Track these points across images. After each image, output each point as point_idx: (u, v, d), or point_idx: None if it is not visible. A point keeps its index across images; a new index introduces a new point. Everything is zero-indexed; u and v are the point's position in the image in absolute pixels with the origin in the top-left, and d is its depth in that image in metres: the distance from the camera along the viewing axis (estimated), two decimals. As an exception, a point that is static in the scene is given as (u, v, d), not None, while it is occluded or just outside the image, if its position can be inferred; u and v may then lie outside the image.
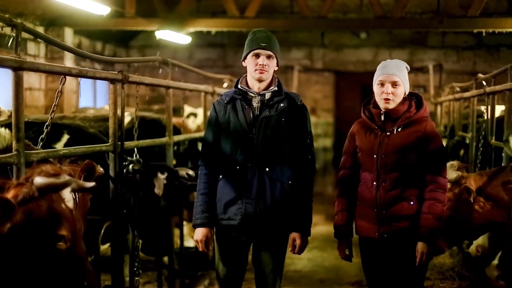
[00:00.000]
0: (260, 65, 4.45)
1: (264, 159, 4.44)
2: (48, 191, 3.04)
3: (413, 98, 4.60)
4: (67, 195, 3.15)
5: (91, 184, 3.36)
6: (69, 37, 12.55)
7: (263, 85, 4.53)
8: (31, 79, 11.61)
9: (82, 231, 3.30)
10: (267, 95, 4.53)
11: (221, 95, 4.71)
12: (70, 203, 3.16)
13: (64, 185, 3.09)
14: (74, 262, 3.13)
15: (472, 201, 5.06)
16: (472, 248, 5.91)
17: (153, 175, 5.29)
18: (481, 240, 5.92)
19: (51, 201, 3.07)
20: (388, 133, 4.47)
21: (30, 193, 3.01)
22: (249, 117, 4.49)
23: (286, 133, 4.49)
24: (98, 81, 14.28)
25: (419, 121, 4.48)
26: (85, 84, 14.37)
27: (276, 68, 4.58)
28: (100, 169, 4.78)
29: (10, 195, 3.03)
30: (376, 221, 4.46)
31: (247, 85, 4.57)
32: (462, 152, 8.78)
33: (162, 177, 5.30)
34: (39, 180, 3.01)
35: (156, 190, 5.24)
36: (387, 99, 4.44)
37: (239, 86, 4.58)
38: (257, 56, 4.47)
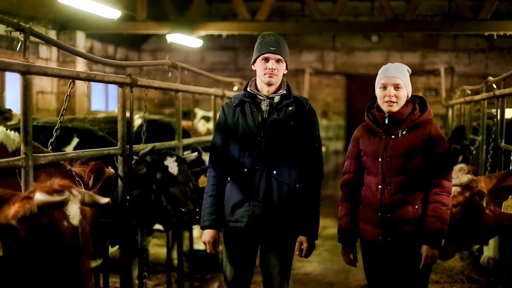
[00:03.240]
0: (269, 69, 4.47)
1: (272, 162, 4.46)
2: (47, 209, 3.00)
3: (417, 100, 4.60)
4: (73, 212, 3.09)
5: (105, 200, 3.30)
6: (81, 40, 12.60)
7: (272, 88, 4.55)
8: (42, 83, 11.66)
9: (89, 248, 3.20)
10: (276, 99, 4.55)
11: (231, 98, 4.73)
12: (75, 220, 3.10)
13: (63, 203, 3.03)
14: (75, 281, 3.07)
15: (484, 205, 5.03)
16: (484, 260, 5.88)
17: (163, 159, 5.47)
18: (492, 252, 5.89)
19: (52, 218, 3.02)
20: (393, 136, 4.47)
21: (31, 210, 2.98)
22: (258, 120, 4.51)
23: (294, 136, 4.50)
24: (110, 85, 14.34)
25: (424, 124, 4.48)
26: (98, 87, 14.43)
27: (286, 72, 4.59)
28: (111, 170, 4.82)
29: (12, 212, 3.01)
30: (380, 224, 4.46)
31: (256, 88, 4.59)
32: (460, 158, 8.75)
33: (172, 159, 5.49)
34: (38, 197, 2.98)
35: (171, 170, 5.40)
36: (390, 102, 4.45)
37: (248, 89, 4.60)
38: (266, 60, 4.49)
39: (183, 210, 5.23)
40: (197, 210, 5.11)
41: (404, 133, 4.47)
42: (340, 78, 16.43)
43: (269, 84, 4.52)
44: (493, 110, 7.41)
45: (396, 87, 4.46)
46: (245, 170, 4.48)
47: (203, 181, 5.80)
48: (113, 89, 14.87)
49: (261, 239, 4.55)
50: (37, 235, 2.99)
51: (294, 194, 4.50)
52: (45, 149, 4.33)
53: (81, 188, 4.15)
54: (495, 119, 7.20)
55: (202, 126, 11.59)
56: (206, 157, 6.94)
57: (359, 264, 4.73)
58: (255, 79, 4.63)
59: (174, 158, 5.52)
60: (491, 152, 7.27)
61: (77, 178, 4.24)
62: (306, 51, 16.15)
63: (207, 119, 12.05)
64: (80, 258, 3.08)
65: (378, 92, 4.53)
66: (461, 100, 10.95)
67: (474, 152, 8.72)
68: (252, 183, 4.46)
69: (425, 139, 4.42)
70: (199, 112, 12.24)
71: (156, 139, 6.17)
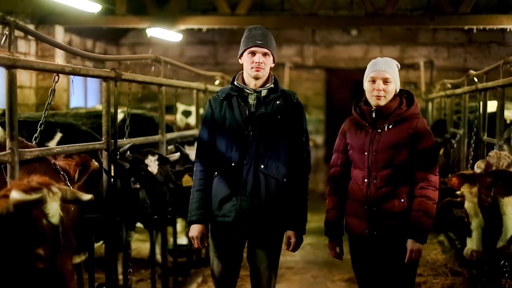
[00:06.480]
0: (256, 62, 4.45)
1: (259, 156, 4.44)
2: (23, 207, 2.93)
3: (404, 95, 4.61)
4: (52, 210, 3.01)
5: (88, 196, 3.23)
6: (59, 34, 12.48)
7: (260, 82, 4.52)
8: (21, 77, 11.53)
9: (71, 247, 3.10)
10: (263, 92, 4.53)
11: (217, 91, 4.70)
12: (54, 219, 3.01)
13: (39, 201, 2.96)
14: (55, 282, 2.99)
15: None
16: (467, 253, 5.92)
17: (144, 158, 5.39)
18: (475, 245, 5.93)
19: (30, 217, 2.95)
20: (379, 130, 4.46)
21: (8, 209, 2.92)
22: (245, 114, 4.49)
23: (281, 130, 4.49)
24: (89, 80, 14.21)
25: (410, 118, 4.47)
26: (76, 82, 14.27)
27: (273, 65, 4.57)
28: (95, 164, 4.77)
29: None
30: (366, 218, 4.45)
31: (243, 82, 4.56)
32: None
33: (153, 158, 5.40)
34: (14, 195, 2.91)
35: (150, 169, 5.32)
36: (378, 96, 4.44)
37: (235, 83, 4.57)
38: (253, 53, 4.47)
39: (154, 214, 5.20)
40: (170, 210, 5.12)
41: (390, 127, 4.45)
42: (320, 72, 16.43)
43: (256, 78, 4.49)
44: (475, 103, 7.46)
45: (385, 81, 4.46)
46: (233, 164, 4.46)
47: (186, 180, 5.76)
48: (92, 84, 14.74)
49: (248, 234, 4.53)
50: (15, 234, 2.93)
51: (281, 189, 4.49)
52: (29, 144, 4.28)
53: (65, 183, 4.12)
54: (477, 112, 7.25)
55: (181, 121, 11.55)
56: (189, 151, 6.91)
57: (343, 257, 4.72)
58: (242, 72, 4.60)
59: (156, 157, 5.46)
60: (473, 145, 7.32)
61: (62, 172, 4.19)
62: (286, 45, 16.12)
63: (187, 113, 12.02)
64: (61, 258, 3.01)
65: (367, 85, 4.51)
66: (442, 93, 11.03)
67: (455, 146, 8.79)
68: (239, 178, 4.43)
69: (411, 134, 4.41)
70: (180, 107, 12.20)
71: (139, 134, 6.13)
